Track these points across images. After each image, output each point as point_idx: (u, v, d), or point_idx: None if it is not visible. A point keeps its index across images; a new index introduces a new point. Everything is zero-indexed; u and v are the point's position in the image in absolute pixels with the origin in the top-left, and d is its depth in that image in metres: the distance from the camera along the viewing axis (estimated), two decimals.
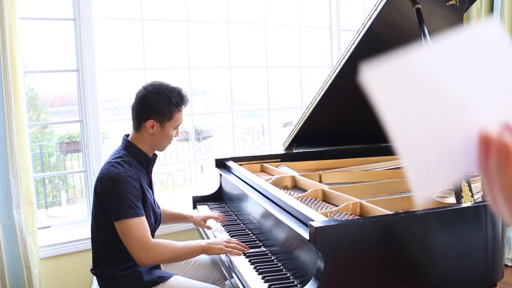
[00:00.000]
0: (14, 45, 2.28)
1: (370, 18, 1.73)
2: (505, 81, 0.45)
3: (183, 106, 1.93)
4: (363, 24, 1.77)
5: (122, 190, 1.74)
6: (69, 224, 2.78)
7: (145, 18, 2.85)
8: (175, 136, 1.96)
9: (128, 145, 1.91)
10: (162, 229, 2.68)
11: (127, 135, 1.95)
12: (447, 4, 1.81)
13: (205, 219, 2.22)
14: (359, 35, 1.80)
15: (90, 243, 1.95)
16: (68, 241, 2.62)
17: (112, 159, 1.86)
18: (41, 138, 2.91)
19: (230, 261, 1.74)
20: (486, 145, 0.41)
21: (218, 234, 2.08)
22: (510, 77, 0.46)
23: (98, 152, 2.72)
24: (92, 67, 2.65)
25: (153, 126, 1.87)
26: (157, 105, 1.87)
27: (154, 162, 1.99)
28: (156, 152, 2.00)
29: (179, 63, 3.01)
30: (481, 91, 0.44)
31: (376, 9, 1.69)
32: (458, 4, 1.84)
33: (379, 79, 0.42)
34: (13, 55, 2.28)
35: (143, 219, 1.77)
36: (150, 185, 2.00)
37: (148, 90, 1.90)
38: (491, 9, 2.84)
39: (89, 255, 1.99)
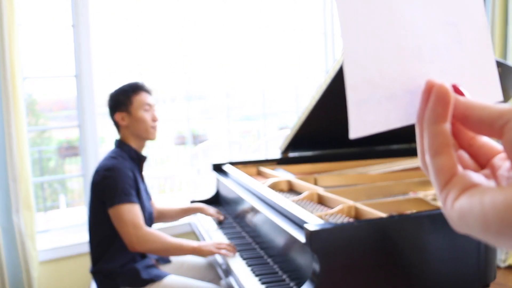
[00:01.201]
0: (13, 51, 2.30)
1: None
2: (472, 46, 0.44)
3: (138, 89, 2.03)
4: None
5: (117, 179, 1.85)
6: (68, 228, 2.80)
7: (142, 23, 2.88)
8: (153, 121, 2.04)
9: (119, 144, 2.03)
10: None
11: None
12: None
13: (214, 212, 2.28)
14: None
15: (89, 246, 1.99)
16: (67, 244, 2.64)
17: (108, 156, 1.99)
18: (40, 143, 2.92)
19: (227, 262, 1.77)
20: (428, 94, 0.39)
21: (214, 235, 2.11)
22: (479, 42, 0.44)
23: (96, 156, 2.75)
24: (90, 72, 2.67)
25: (123, 118, 2.01)
26: (115, 98, 2.04)
27: (145, 160, 2.07)
28: (155, 153, 2.08)
29: (175, 67, 3.03)
30: (444, 45, 0.43)
31: None
32: None
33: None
34: (12, 60, 2.30)
35: (137, 206, 1.85)
36: (143, 182, 2.08)
37: (109, 93, 2.08)
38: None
39: (88, 258, 2.02)
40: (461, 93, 0.40)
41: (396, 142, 2.43)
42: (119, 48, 2.95)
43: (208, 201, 2.56)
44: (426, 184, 1.96)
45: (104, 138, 2.95)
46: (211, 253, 1.84)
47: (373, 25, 0.40)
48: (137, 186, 1.96)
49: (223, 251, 1.80)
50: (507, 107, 0.36)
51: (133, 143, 2.03)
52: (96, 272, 1.94)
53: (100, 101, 2.77)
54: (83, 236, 2.62)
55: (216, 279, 2.12)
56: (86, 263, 2.32)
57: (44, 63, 2.78)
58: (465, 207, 0.35)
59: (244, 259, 1.77)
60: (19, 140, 2.35)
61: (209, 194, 2.63)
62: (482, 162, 0.41)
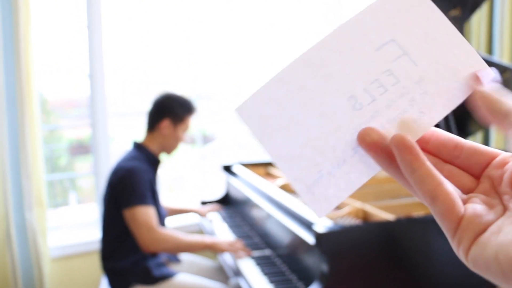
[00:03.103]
0: (28, 51, 2.34)
1: None
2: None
3: (193, 112, 2.06)
4: None
5: (135, 181, 1.89)
6: (79, 225, 2.83)
7: (151, 24, 2.91)
8: (182, 141, 2.09)
9: (139, 147, 2.06)
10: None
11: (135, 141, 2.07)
12: (449, 14, 1.86)
13: (207, 211, 2.35)
14: None
15: (100, 243, 2.02)
16: (78, 242, 2.68)
17: (126, 157, 2.02)
18: (51, 141, 2.96)
19: (236, 261, 1.79)
20: (364, 144, 0.37)
21: (223, 235, 2.13)
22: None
23: (107, 155, 2.78)
24: (102, 72, 2.71)
25: (166, 127, 2.00)
26: (173, 107, 2.05)
27: (160, 163, 2.10)
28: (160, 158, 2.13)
29: (185, 67, 3.06)
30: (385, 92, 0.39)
31: None
32: (460, 15, 1.88)
33: (253, 113, 0.38)
34: (27, 60, 2.33)
35: (152, 208, 1.89)
36: (157, 184, 2.12)
37: (164, 95, 2.10)
38: (490, 18, 2.87)
39: (99, 256, 2.06)
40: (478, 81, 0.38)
41: None
42: (128, 48, 2.98)
43: (218, 201, 2.59)
44: None
45: (114, 137, 2.98)
46: (225, 250, 1.87)
47: (288, 117, 0.38)
48: (153, 188, 1.99)
49: (238, 253, 1.83)
50: None
51: (154, 149, 2.06)
52: (107, 269, 1.97)
53: (111, 100, 2.81)
54: (94, 234, 2.65)
55: (224, 280, 2.14)
56: (97, 260, 2.35)
57: (57, 62, 2.81)
58: (480, 262, 0.32)
59: (252, 258, 1.80)
60: (32, 138, 2.38)
61: (218, 194, 2.66)
62: (476, 171, 0.38)
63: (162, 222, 2.07)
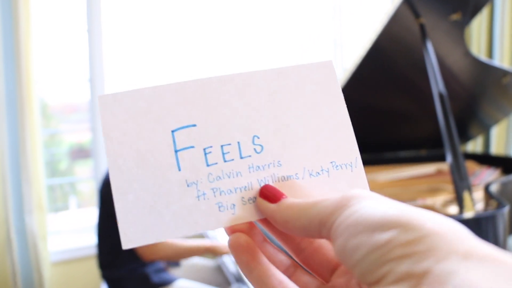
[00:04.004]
0: (29, 55, 2.34)
1: (375, 33, 1.77)
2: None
3: None
4: (368, 39, 1.82)
5: None
6: (79, 230, 2.83)
7: (152, 28, 2.91)
8: None
9: None
10: None
11: None
12: (450, 19, 1.86)
13: None
14: (364, 50, 1.85)
15: (97, 251, 2.01)
16: (78, 246, 2.68)
17: None
18: (51, 145, 2.96)
19: (237, 268, 1.79)
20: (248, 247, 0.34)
21: (223, 237, 2.13)
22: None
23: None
24: (102, 76, 2.71)
25: None
26: None
27: None
28: None
29: (185, 71, 3.07)
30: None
31: (381, 24, 1.74)
32: (461, 19, 1.88)
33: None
34: (27, 64, 2.34)
35: None
36: None
37: None
38: (491, 22, 2.88)
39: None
40: (276, 196, 0.35)
41: (404, 149, 2.45)
42: (128, 52, 2.98)
43: None
44: (434, 191, 1.97)
45: None
46: (226, 252, 1.86)
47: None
48: None
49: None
50: (330, 204, 0.30)
51: None
52: (106, 277, 1.96)
53: None
54: (94, 238, 2.65)
55: (224, 283, 2.14)
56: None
57: (57, 67, 2.82)
58: None
59: None
60: (32, 142, 2.38)
61: None
62: (323, 273, 0.35)
63: None
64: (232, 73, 0.39)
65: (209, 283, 2.12)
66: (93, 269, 2.56)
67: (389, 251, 0.25)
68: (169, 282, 1.93)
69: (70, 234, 2.80)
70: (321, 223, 0.30)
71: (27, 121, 2.35)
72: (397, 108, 2.15)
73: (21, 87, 2.33)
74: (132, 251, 1.88)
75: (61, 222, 2.86)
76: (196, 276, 2.16)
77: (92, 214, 2.87)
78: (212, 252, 1.90)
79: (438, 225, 0.25)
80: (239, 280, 1.74)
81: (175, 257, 1.94)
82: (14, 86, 2.34)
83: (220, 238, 2.12)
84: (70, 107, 3.05)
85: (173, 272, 2.12)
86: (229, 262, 1.91)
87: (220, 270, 2.23)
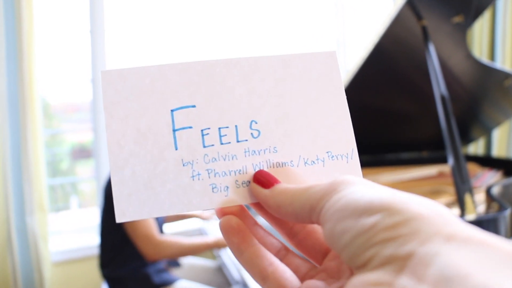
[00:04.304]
0: (31, 55, 2.34)
1: (377, 35, 1.78)
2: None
3: None
4: (370, 41, 1.82)
5: None
6: (80, 230, 2.83)
7: (155, 29, 2.92)
8: None
9: None
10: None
11: None
12: (452, 21, 1.86)
13: (210, 215, 2.33)
14: (366, 51, 1.85)
15: (99, 250, 2.02)
16: (79, 246, 2.68)
17: None
18: (53, 144, 2.97)
19: (239, 270, 1.79)
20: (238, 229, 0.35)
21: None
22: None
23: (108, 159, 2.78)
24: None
25: None
26: None
27: None
28: None
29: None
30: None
31: (383, 26, 1.74)
32: (463, 21, 1.88)
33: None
34: (30, 64, 2.34)
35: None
36: None
37: None
38: (493, 25, 2.88)
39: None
40: (270, 182, 0.35)
41: (406, 151, 2.45)
42: (131, 53, 2.99)
43: None
44: (436, 193, 1.97)
45: None
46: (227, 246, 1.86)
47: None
48: None
49: None
50: (320, 190, 0.30)
51: None
52: (106, 276, 1.97)
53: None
54: (95, 239, 2.65)
55: (225, 284, 2.14)
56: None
57: (59, 67, 2.82)
58: None
59: None
60: (34, 142, 2.38)
61: None
62: (316, 256, 0.35)
63: (160, 229, 2.06)
64: (238, 56, 0.39)
65: (210, 284, 2.12)
66: (94, 269, 2.56)
67: (374, 235, 0.25)
68: (170, 282, 1.93)
69: (71, 234, 2.80)
70: (311, 208, 0.30)
71: (29, 120, 2.35)
72: (399, 110, 2.15)
73: (23, 86, 2.33)
74: (134, 250, 1.88)
75: (62, 222, 2.86)
76: (197, 277, 2.16)
77: (93, 214, 2.87)
78: (215, 247, 1.90)
79: (423, 208, 0.25)
80: (239, 281, 1.74)
81: (179, 255, 1.94)
82: (16, 85, 2.34)
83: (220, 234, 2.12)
84: (72, 107, 3.06)
85: (174, 272, 2.12)
86: (230, 264, 1.91)
87: (220, 271, 2.23)
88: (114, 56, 2.82)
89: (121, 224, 1.88)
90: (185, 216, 2.42)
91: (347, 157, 0.39)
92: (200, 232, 2.58)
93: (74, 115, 3.10)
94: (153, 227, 1.86)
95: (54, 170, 2.95)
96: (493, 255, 0.22)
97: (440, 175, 2.14)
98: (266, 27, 3.31)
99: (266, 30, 3.31)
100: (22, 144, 2.36)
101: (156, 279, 1.92)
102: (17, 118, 2.36)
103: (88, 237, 2.75)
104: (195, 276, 2.16)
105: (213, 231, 2.26)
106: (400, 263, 0.23)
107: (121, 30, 2.89)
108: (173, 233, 2.83)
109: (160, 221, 2.08)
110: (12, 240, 2.36)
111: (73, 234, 2.80)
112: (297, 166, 0.38)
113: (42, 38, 2.60)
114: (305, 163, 0.38)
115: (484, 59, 2.82)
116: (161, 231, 2.09)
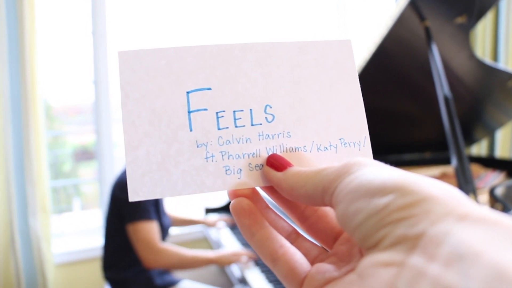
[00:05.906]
0: (33, 57, 2.35)
1: (380, 36, 1.77)
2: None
3: None
4: (373, 42, 1.82)
5: None
6: (83, 232, 2.83)
7: (156, 29, 2.92)
8: None
9: None
10: (171, 238, 2.72)
11: None
12: (455, 22, 1.86)
13: (215, 221, 2.31)
14: (369, 52, 1.84)
15: (102, 252, 2.01)
16: (82, 248, 2.68)
17: None
18: (55, 146, 2.97)
19: (241, 270, 1.79)
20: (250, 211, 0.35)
21: (227, 243, 2.13)
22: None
23: (111, 161, 2.78)
24: (106, 78, 2.72)
25: None
26: None
27: None
28: None
29: None
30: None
31: (386, 27, 1.73)
32: (466, 22, 1.88)
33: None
34: (32, 66, 2.34)
35: (154, 223, 1.86)
36: None
37: None
38: (496, 25, 2.87)
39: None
40: (283, 165, 0.36)
41: (409, 152, 2.44)
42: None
43: (222, 209, 2.58)
44: None
45: (118, 144, 2.99)
46: (231, 262, 1.85)
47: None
48: (157, 202, 1.97)
49: (242, 259, 1.81)
50: (333, 172, 0.31)
51: None
52: (109, 279, 1.96)
53: (116, 106, 2.82)
54: (98, 240, 2.65)
55: (228, 285, 2.14)
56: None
57: (61, 69, 2.82)
58: None
59: (257, 265, 1.79)
60: (36, 144, 2.39)
61: (223, 201, 2.65)
62: (327, 240, 0.35)
63: (165, 233, 2.06)
64: (254, 41, 0.40)
65: (212, 284, 2.12)
66: (96, 271, 2.56)
67: (387, 215, 0.25)
68: (172, 283, 1.93)
69: (74, 236, 2.80)
70: (324, 190, 0.30)
71: (31, 122, 2.35)
72: (402, 111, 2.15)
73: (25, 88, 2.33)
74: (136, 255, 1.87)
75: (65, 224, 2.86)
76: (200, 277, 2.16)
77: (96, 216, 2.87)
78: (217, 263, 1.89)
79: (436, 189, 0.26)
80: (242, 281, 1.73)
81: (178, 267, 1.91)
82: (19, 87, 2.35)
83: (226, 248, 2.12)
84: (74, 109, 3.06)
85: (177, 274, 2.12)
86: (232, 264, 1.91)
87: (223, 271, 2.23)
88: (116, 57, 2.82)
89: (125, 227, 1.87)
90: (191, 222, 2.40)
91: (359, 145, 0.40)
92: (203, 235, 2.58)
93: (76, 117, 3.10)
94: (156, 233, 1.85)
95: (56, 172, 2.95)
96: (507, 235, 0.22)
97: (443, 176, 2.13)
98: (268, 29, 3.31)
99: (268, 31, 3.31)
100: (25, 146, 2.37)
101: (159, 281, 1.92)
102: (19, 120, 2.36)
103: (90, 239, 2.75)
104: (197, 277, 2.16)
105: (217, 235, 2.26)
106: (412, 242, 0.24)
107: (123, 32, 2.89)
108: (177, 234, 2.83)
109: (167, 225, 2.07)
110: (15, 242, 2.36)
111: (76, 236, 2.80)
112: (310, 151, 0.39)
113: (44, 40, 2.60)
114: (318, 148, 0.39)
115: (487, 59, 2.81)
116: (167, 234, 2.08)
